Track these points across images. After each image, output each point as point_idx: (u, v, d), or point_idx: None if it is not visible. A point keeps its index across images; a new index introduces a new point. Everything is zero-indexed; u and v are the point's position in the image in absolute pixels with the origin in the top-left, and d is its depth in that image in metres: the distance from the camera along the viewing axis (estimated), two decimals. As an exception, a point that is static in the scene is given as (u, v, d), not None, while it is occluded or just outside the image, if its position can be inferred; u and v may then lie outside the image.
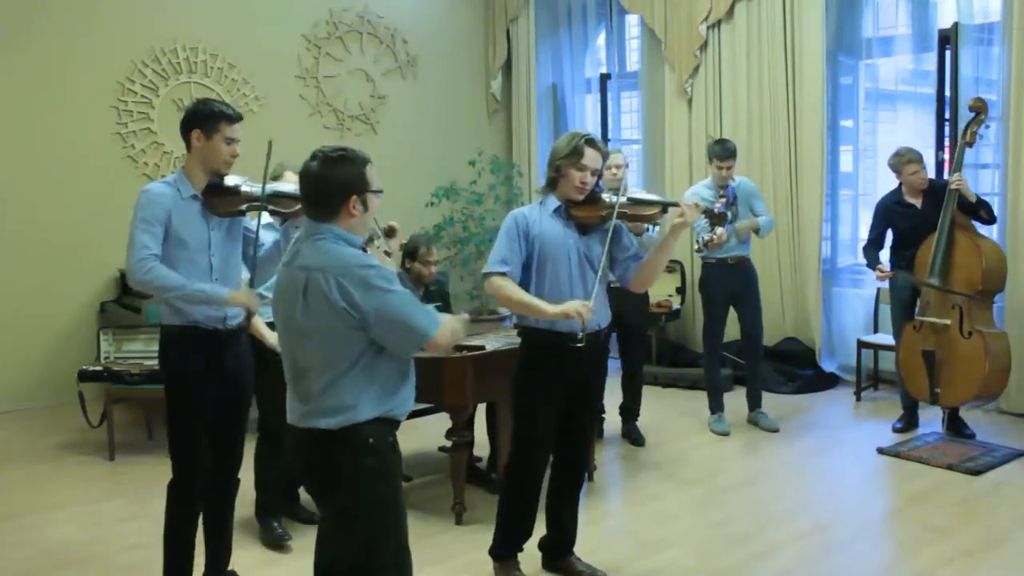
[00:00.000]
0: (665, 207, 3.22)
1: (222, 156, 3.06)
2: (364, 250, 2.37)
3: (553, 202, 3.27)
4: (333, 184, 2.27)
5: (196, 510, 3.13)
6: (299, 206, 3.23)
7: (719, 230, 4.87)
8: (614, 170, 4.77)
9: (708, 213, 3.30)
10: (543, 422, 3.30)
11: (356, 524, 2.32)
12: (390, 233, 2.82)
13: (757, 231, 5.27)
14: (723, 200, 5.02)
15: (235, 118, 3.08)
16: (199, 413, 3.08)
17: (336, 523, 2.37)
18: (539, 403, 3.28)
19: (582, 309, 3.03)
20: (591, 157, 3.19)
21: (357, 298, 2.19)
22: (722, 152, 5.16)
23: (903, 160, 5.02)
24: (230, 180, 3.13)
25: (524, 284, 3.23)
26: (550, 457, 3.40)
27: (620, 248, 3.29)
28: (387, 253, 2.76)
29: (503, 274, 3.19)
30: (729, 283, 5.28)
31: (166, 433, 3.13)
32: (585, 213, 3.23)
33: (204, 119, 3.03)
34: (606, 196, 3.24)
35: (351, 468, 2.28)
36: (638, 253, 3.29)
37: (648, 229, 4.60)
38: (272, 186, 3.18)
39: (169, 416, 3.12)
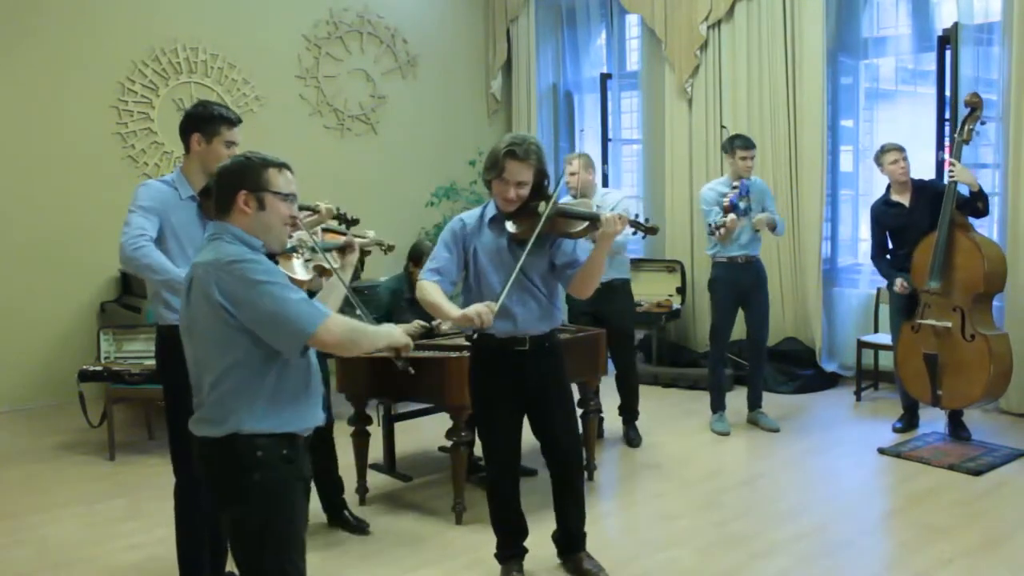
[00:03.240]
0: (594, 223, 3.09)
1: (222, 160, 3.02)
2: (275, 260, 2.30)
3: (491, 211, 3.23)
4: (223, 178, 2.27)
5: (205, 509, 3.10)
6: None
7: (731, 216, 4.91)
8: (567, 177, 4.79)
9: (636, 224, 3.17)
10: (499, 424, 3.31)
11: (243, 540, 2.24)
12: (346, 248, 2.71)
13: (774, 228, 5.22)
14: (735, 191, 5.03)
15: (235, 121, 3.11)
16: None
17: (232, 537, 2.28)
18: (491, 405, 3.30)
19: (483, 311, 2.97)
20: (512, 170, 3.07)
21: (234, 293, 2.13)
22: (743, 143, 5.18)
23: (883, 151, 5.06)
24: None
25: (465, 292, 3.27)
26: (519, 456, 3.42)
27: (558, 255, 3.22)
28: (324, 269, 2.63)
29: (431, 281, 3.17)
30: (739, 282, 5.26)
31: (167, 434, 3.13)
32: (517, 229, 3.14)
33: (204, 123, 3.05)
34: (540, 207, 3.12)
35: (236, 481, 2.20)
36: (575, 260, 3.22)
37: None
38: None
39: (170, 416, 3.13)
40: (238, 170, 2.26)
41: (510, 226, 3.16)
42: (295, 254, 2.59)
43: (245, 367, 2.18)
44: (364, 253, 3.40)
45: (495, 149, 3.14)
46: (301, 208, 3.29)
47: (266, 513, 2.20)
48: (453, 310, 3.08)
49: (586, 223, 3.12)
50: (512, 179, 3.09)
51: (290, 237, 2.51)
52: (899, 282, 5.04)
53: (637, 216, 3.24)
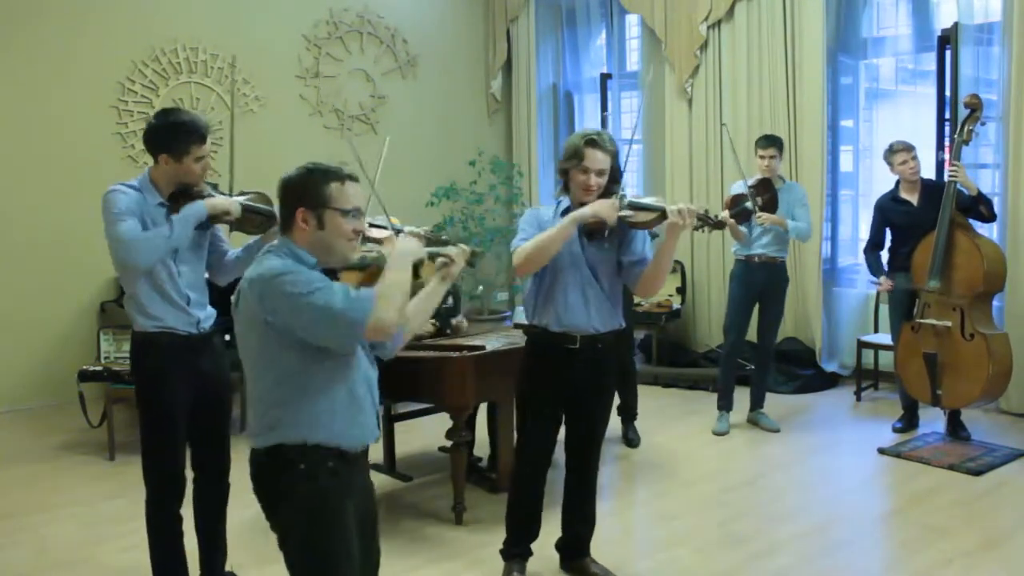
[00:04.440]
0: (664, 213, 3.15)
1: (193, 176, 2.99)
2: (334, 276, 2.23)
3: (564, 204, 3.27)
4: (284, 193, 2.20)
5: (179, 528, 3.08)
6: (270, 226, 3.14)
7: (724, 214, 4.85)
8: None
9: (704, 219, 3.23)
10: (542, 421, 3.30)
11: (285, 549, 2.22)
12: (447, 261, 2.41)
13: (787, 230, 5.16)
14: (751, 189, 4.96)
15: (205, 137, 2.98)
16: (176, 420, 3.01)
17: (279, 544, 2.24)
18: (538, 402, 3.29)
19: (607, 204, 3.03)
20: (592, 158, 3.13)
21: (274, 309, 2.09)
22: (761, 143, 5.19)
23: (893, 150, 5.04)
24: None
25: (534, 283, 3.24)
26: (551, 457, 3.39)
27: (627, 253, 3.24)
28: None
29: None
30: (752, 282, 5.26)
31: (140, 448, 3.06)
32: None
33: (171, 142, 2.92)
34: (612, 200, 3.16)
35: (279, 492, 2.18)
36: (644, 258, 3.23)
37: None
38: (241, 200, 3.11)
39: (144, 426, 3.05)
40: (299, 185, 2.18)
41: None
42: (371, 268, 2.35)
43: (288, 383, 2.15)
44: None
45: (573, 141, 3.18)
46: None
47: (307, 525, 2.17)
48: (566, 218, 3.08)
49: (655, 213, 3.15)
50: (593, 167, 3.13)
51: (376, 241, 2.43)
52: (883, 279, 5.05)
53: (706, 211, 3.23)
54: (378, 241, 2.59)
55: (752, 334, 5.49)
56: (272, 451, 2.17)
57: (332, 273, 2.23)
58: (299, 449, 2.15)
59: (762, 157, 5.14)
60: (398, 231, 3.12)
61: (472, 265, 2.57)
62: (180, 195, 3.02)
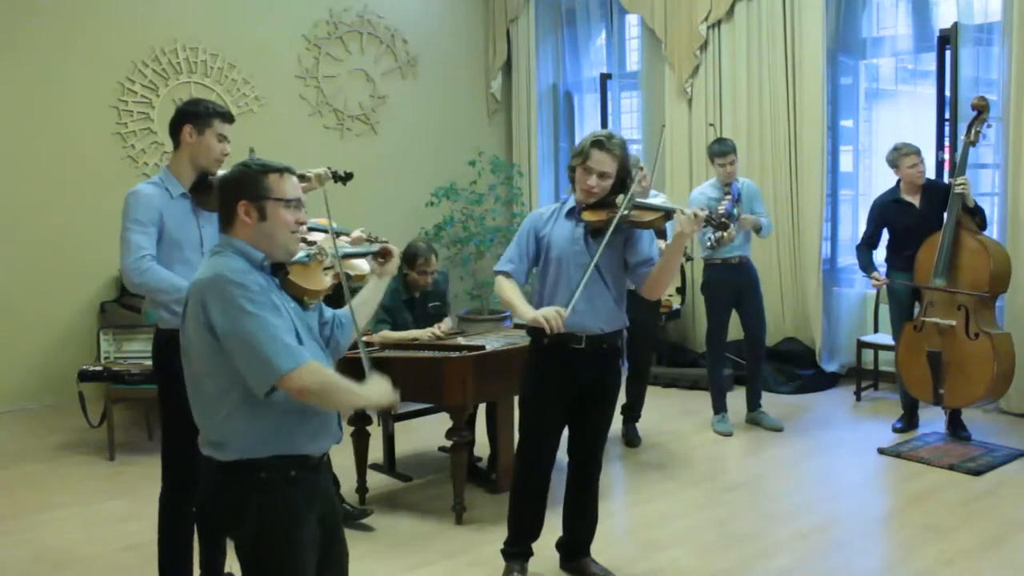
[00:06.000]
0: (669, 215, 3.16)
1: (213, 153, 3.04)
2: (283, 271, 2.20)
3: (570, 203, 3.28)
4: (223, 189, 2.19)
5: (192, 523, 3.07)
6: None
7: (729, 231, 4.87)
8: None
9: (710, 222, 3.23)
10: (547, 421, 3.30)
11: (242, 562, 2.14)
12: (383, 255, 2.53)
13: (759, 230, 5.26)
14: (728, 199, 5.03)
15: (228, 116, 3.09)
16: None
17: (237, 557, 2.17)
18: (543, 402, 3.28)
19: (552, 315, 3.00)
20: (597, 159, 3.13)
21: (214, 315, 2.03)
22: (719, 149, 5.19)
23: (901, 153, 5.02)
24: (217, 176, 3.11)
25: (538, 280, 3.30)
26: (555, 457, 3.38)
27: (633, 253, 3.23)
28: (348, 276, 2.48)
29: (507, 272, 3.26)
30: (733, 283, 5.28)
31: (160, 442, 3.08)
32: (592, 217, 3.19)
33: (196, 115, 3.03)
34: (618, 199, 3.17)
35: (238, 501, 2.11)
36: (650, 258, 3.22)
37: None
38: None
39: (166, 423, 3.06)
40: (237, 180, 2.16)
41: (586, 216, 3.20)
42: (312, 262, 2.38)
43: (239, 391, 2.08)
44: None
45: (583, 140, 3.22)
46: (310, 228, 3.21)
47: (263, 536, 2.10)
48: (527, 311, 3.12)
49: (660, 213, 3.17)
50: (596, 168, 3.14)
51: (310, 243, 2.42)
52: (874, 275, 5.08)
53: (710, 214, 3.24)
54: (313, 243, 2.58)
55: (740, 333, 5.50)
56: (230, 464, 2.10)
57: (282, 268, 2.20)
58: (260, 460, 2.09)
59: (722, 165, 5.17)
60: (341, 234, 3.17)
61: (408, 262, 2.57)
62: (201, 187, 3.06)
